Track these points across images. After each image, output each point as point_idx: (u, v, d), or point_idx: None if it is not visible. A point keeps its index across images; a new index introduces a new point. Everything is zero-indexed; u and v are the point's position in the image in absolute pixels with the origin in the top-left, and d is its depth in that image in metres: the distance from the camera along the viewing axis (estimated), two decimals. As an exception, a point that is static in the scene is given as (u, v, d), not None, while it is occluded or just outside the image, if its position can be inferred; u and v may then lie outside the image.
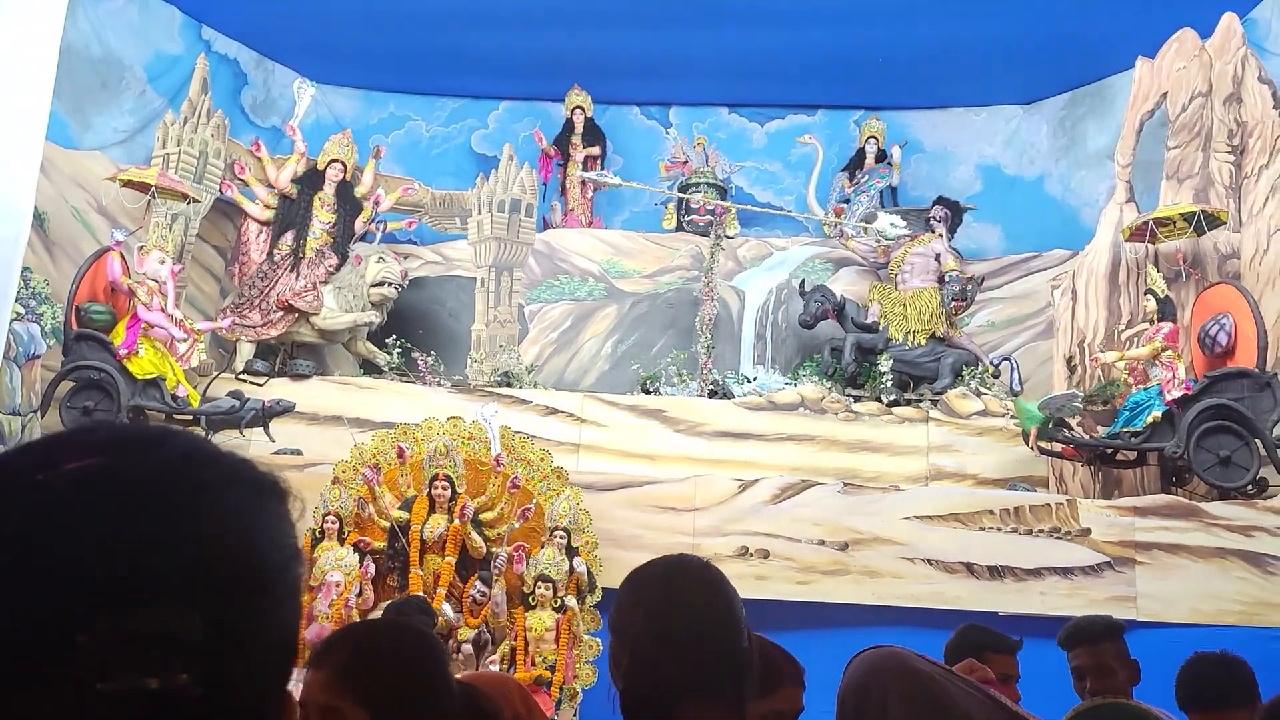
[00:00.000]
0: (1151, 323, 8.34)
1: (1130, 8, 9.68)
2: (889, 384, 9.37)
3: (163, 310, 8.39)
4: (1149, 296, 8.41)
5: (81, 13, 9.21)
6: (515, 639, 6.65)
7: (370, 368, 10.01)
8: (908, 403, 9.37)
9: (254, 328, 9.68)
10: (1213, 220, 8.51)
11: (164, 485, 0.73)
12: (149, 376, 8.19)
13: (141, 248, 8.62)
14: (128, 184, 9.02)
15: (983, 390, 9.27)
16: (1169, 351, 8.12)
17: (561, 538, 6.91)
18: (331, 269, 9.98)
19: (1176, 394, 7.94)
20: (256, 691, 0.76)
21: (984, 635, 3.73)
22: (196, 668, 0.69)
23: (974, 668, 2.40)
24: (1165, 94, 9.37)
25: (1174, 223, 8.61)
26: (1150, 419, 8.03)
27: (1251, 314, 7.84)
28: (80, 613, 0.67)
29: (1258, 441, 7.65)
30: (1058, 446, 8.45)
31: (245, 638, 0.73)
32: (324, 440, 8.45)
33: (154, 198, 9.05)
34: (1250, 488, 7.69)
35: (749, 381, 9.70)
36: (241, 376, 9.33)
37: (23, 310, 8.20)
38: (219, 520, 0.74)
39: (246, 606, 0.74)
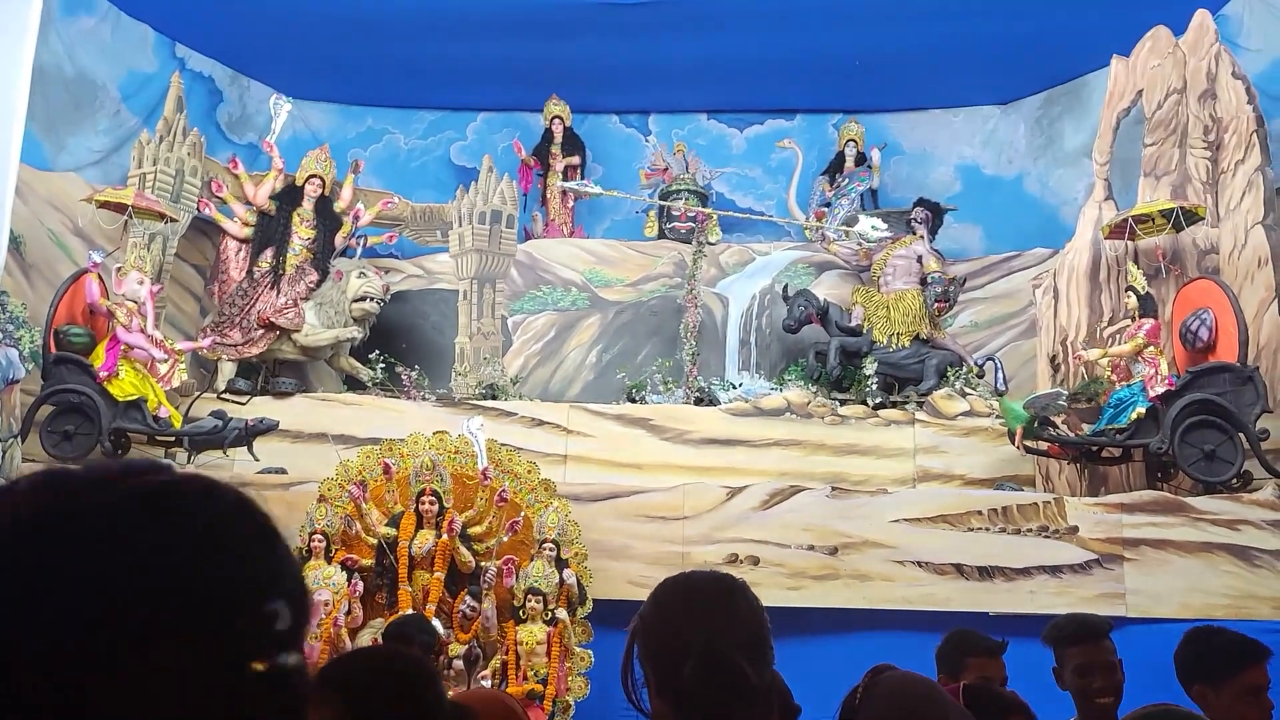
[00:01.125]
0: (1133, 319, 8.37)
1: (1104, 6, 9.73)
2: (874, 387, 9.37)
3: (142, 331, 8.33)
4: (1130, 293, 8.44)
5: (53, 33, 9.14)
6: (506, 653, 6.62)
7: (354, 384, 9.95)
8: (893, 405, 9.38)
9: (235, 346, 9.62)
10: (1191, 216, 8.55)
11: (132, 519, 0.76)
12: (130, 398, 8.12)
13: (119, 269, 8.56)
14: (104, 205, 8.96)
15: (968, 391, 9.29)
16: (1151, 348, 8.15)
17: (551, 550, 6.88)
18: (312, 285, 9.93)
19: (1160, 390, 7.97)
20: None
21: (965, 640, 3.67)
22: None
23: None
24: (1140, 91, 9.42)
25: (1153, 219, 8.65)
26: (1134, 415, 8.06)
27: (1231, 308, 7.88)
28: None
29: (1241, 435, 7.68)
30: (1043, 445, 8.47)
31: (230, 668, 0.76)
32: (309, 458, 8.39)
33: (131, 218, 8.99)
34: (1235, 481, 7.72)
35: (734, 388, 9.69)
36: (224, 396, 9.27)
37: (0, 335, 8.12)
38: (221, 554, 0.79)
39: (227, 634, 0.76)
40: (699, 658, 1.51)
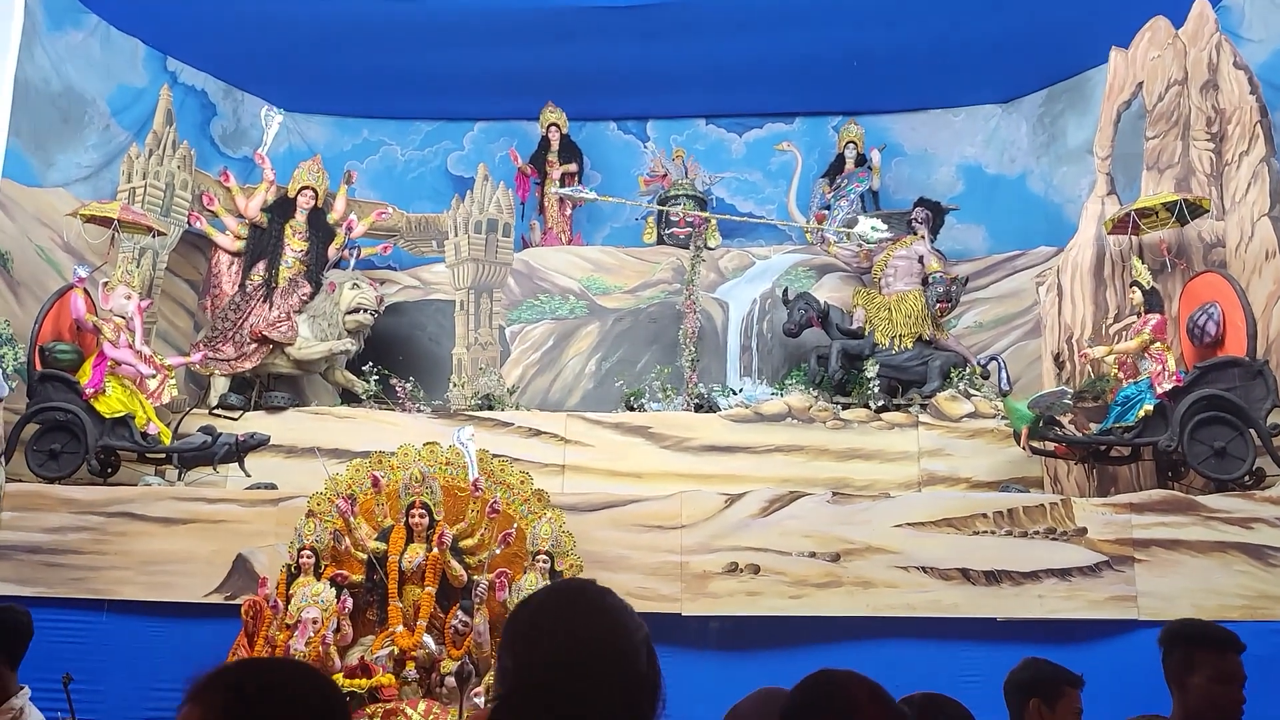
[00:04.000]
0: (1139, 315, 8.19)
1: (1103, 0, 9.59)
2: (876, 390, 9.20)
3: (130, 346, 8.21)
4: (1135, 289, 8.26)
5: (39, 48, 9.06)
6: (500, 668, 6.44)
7: (349, 397, 9.83)
8: (896, 408, 9.21)
9: (228, 361, 9.50)
10: (1195, 209, 8.37)
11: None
12: (117, 415, 8.00)
13: (107, 283, 8.45)
14: (90, 219, 8.86)
15: (972, 392, 9.11)
16: (1158, 344, 7.97)
17: (545, 562, 6.73)
18: (305, 298, 9.82)
19: (1167, 386, 7.78)
20: None
21: (1059, 670, 3.46)
22: None
23: None
24: (1141, 84, 9.24)
25: (1156, 213, 8.47)
26: (1142, 413, 7.87)
27: (1239, 302, 7.69)
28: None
29: (1252, 431, 7.50)
30: (1050, 445, 8.29)
31: None
32: (301, 473, 8.24)
33: (118, 232, 8.88)
34: (1247, 479, 7.53)
35: (735, 393, 9.53)
36: (216, 411, 9.16)
37: (-16, 353, 8.03)
38: None
39: None
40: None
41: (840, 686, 1.91)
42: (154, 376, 8.34)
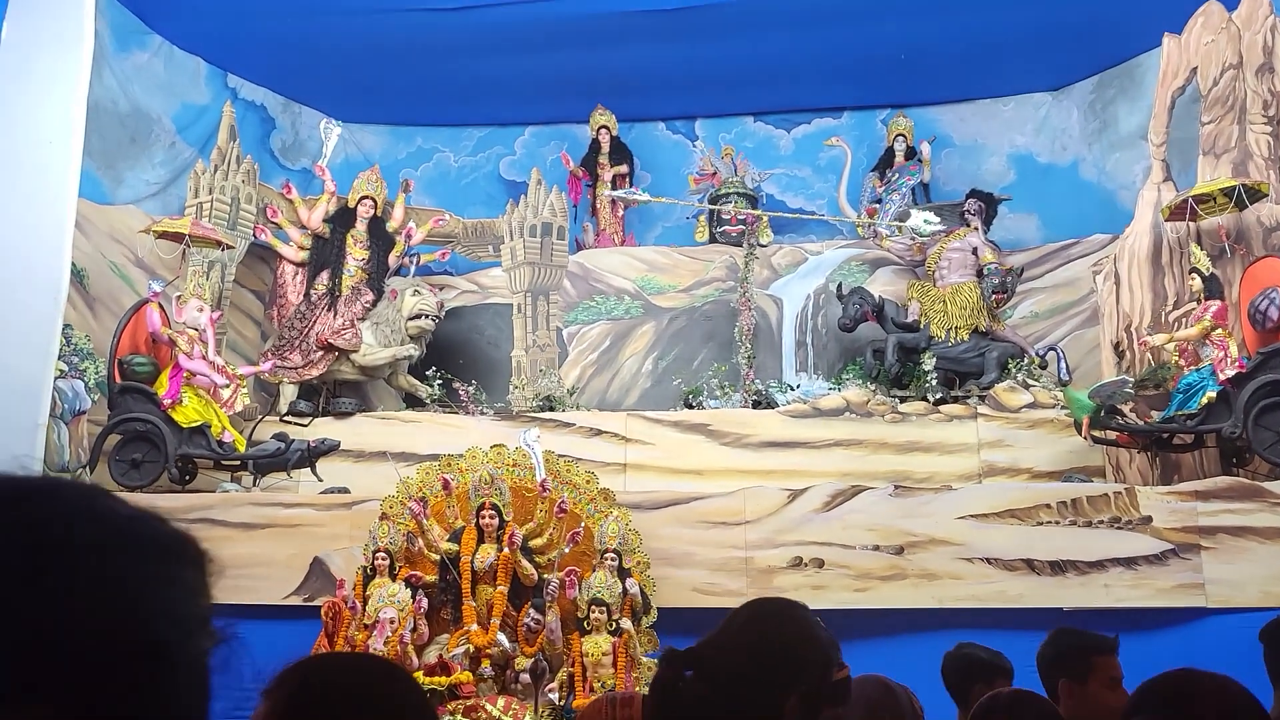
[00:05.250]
0: (1199, 302, 8.16)
1: (1153, -16, 9.54)
2: (934, 382, 9.23)
3: (204, 357, 8.46)
4: (1194, 275, 8.23)
5: (107, 70, 9.35)
6: (572, 665, 6.59)
7: (413, 401, 10.03)
8: (954, 400, 9.24)
9: (295, 369, 9.75)
10: (1254, 193, 8.32)
11: (22, 546, 0.65)
12: (194, 424, 8.25)
13: (179, 297, 8.72)
14: (162, 235, 9.14)
15: (1030, 382, 9.12)
16: (1219, 330, 7.93)
17: (612, 559, 6.85)
18: (368, 305, 10.03)
19: (1230, 373, 7.75)
20: None
21: (1085, 639, 3.33)
22: None
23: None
24: (1195, 69, 9.19)
25: (1214, 199, 8.43)
26: (1205, 400, 7.84)
27: (1302, 286, 7.64)
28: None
29: (1319, 416, 7.45)
30: (1112, 435, 8.28)
31: None
32: (371, 477, 8.46)
33: (189, 247, 9.16)
34: (1315, 464, 7.48)
35: (792, 389, 9.61)
36: (286, 418, 9.41)
37: (66, 368, 8.31)
38: (93, 581, 0.66)
39: (125, 687, 0.66)
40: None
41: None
42: (227, 386, 8.59)
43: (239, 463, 8.45)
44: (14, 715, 0.61)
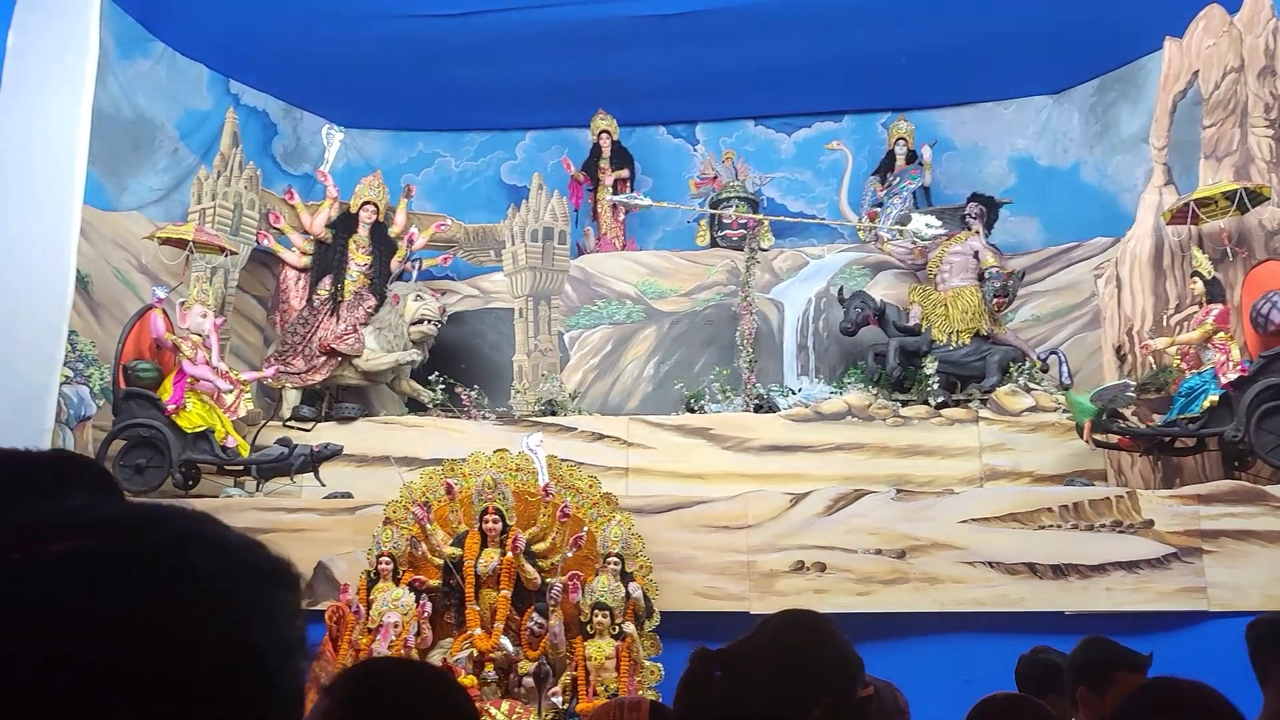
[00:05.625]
0: (1200, 305, 8.17)
1: (1154, -12, 9.56)
2: (936, 386, 9.25)
3: (208, 363, 8.49)
4: (1196, 279, 8.24)
5: (111, 77, 9.38)
6: (576, 669, 6.62)
7: (415, 406, 10.06)
8: (956, 403, 9.25)
9: (298, 374, 9.77)
10: (1256, 197, 8.34)
11: (151, 571, 0.69)
12: (198, 430, 8.28)
13: (183, 303, 8.75)
14: (166, 241, 9.17)
15: (1032, 386, 9.13)
16: (1221, 333, 7.95)
17: (615, 564, 6.88)
18: (370, 310, 10.06)
19: (1232, 376, 7.76)
20: None
21: (1112, 651, 3.23)
22: None
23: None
24: (1196, 73, 9.20)
25: (1215, 202, 8.44)
26: (1207, 403, 7.85)
27: (1303, 289, 7.66)
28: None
29: (1320, 419, 7.47)
30: (1113, 438, 8.30)
31: None
32: (374, 482, 8.48)
33: (192, 253, 9.18)
34: (1316, 467, 7.50)
35: (794, 393, 9.62)
36: (289, 423, 9.43)
37: (71, 373, 8.34)
38: (211, 609, 0.70)
39: (239, 706, 0.70)
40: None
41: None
42: (230, 391, 8.62)
43: (242, 468, 8.48)
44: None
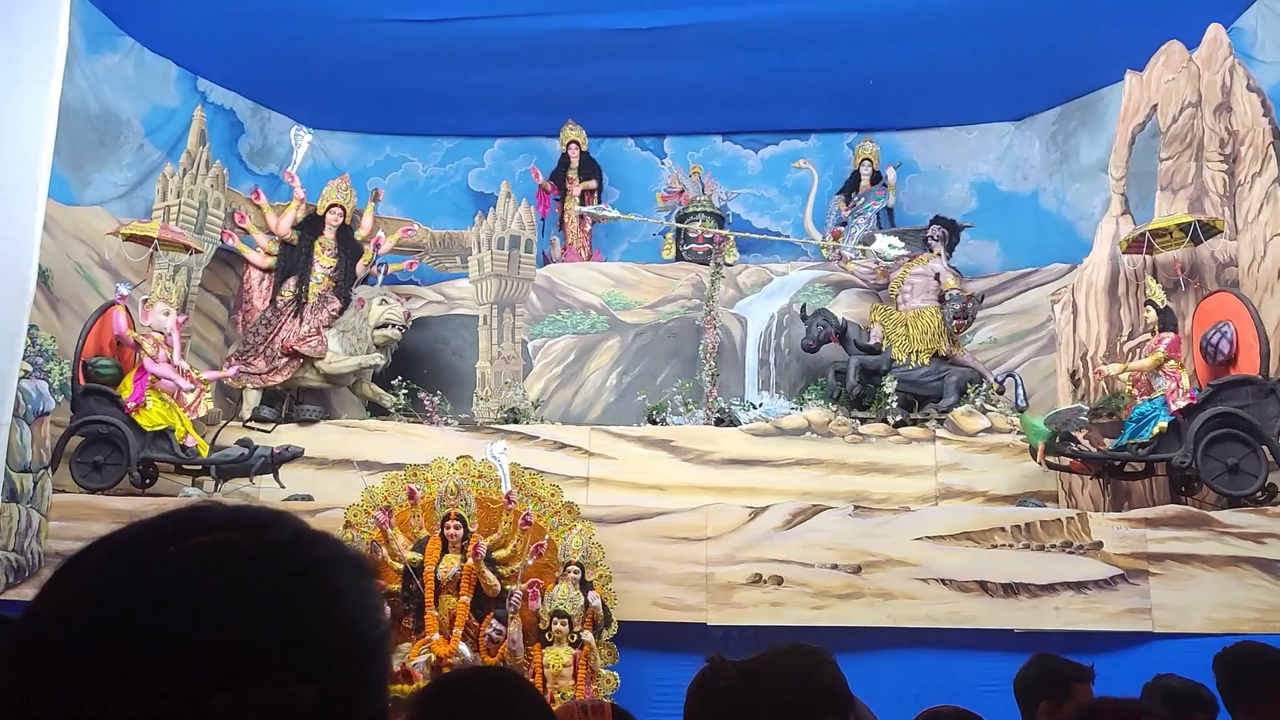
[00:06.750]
0: (1153, 333, 8.37)
1: (1116, 21, 9.75)
2: (894, 405, 9.38)
3: (169, 361, 8.43)
4: (1149, 307, 8.44)
5: (78, 70, 9.29)
6: (533, 676, 6.64)
7: (377, 410, 10.04)
8: (914, 423, 9.39)
9: (260, 375, 9.72)
10: (1209, 229, 8.55)
11: (281, 562, 0.82)
12: (157, 428, 8.22)
13: (146, 300, 8.68)
14: (130, 238, 9.10)
15: (988, 407, 9.30)
16: (1172, 361, 8.14)
17: (575, 572, 6.92)
18: (334, 313, 10.03)
19: (1181, 404, 7.96)
20: None
21: (1066, 665, 3.47)
22: None
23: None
24: (1155, 106, 9.44)
25: (1170, 233, 8.66)
26: (1156, 429, 8.04)
27: (1252, 321, 7.87)
28: (211, 680, 0.74)
29: (1264, 448, 7.66)
30: (1066, 461, 8.46)
31: (350, 708, 0.82)
32: (334, 484, 8.47)
33: (156, 250, 9.12)
34: (1260, 494, 7.69)
35: (755, 408, 9.72)
36: (249, 424, 9.38)
37: (30, 368, 8.23)
38: (329, 596, 0.83)
39: (353, 678, 0.82)
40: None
41: None
42: (191, 390, 8.57)
43: (201, 467, 8.43)
44: (292, 692, 0.76)
